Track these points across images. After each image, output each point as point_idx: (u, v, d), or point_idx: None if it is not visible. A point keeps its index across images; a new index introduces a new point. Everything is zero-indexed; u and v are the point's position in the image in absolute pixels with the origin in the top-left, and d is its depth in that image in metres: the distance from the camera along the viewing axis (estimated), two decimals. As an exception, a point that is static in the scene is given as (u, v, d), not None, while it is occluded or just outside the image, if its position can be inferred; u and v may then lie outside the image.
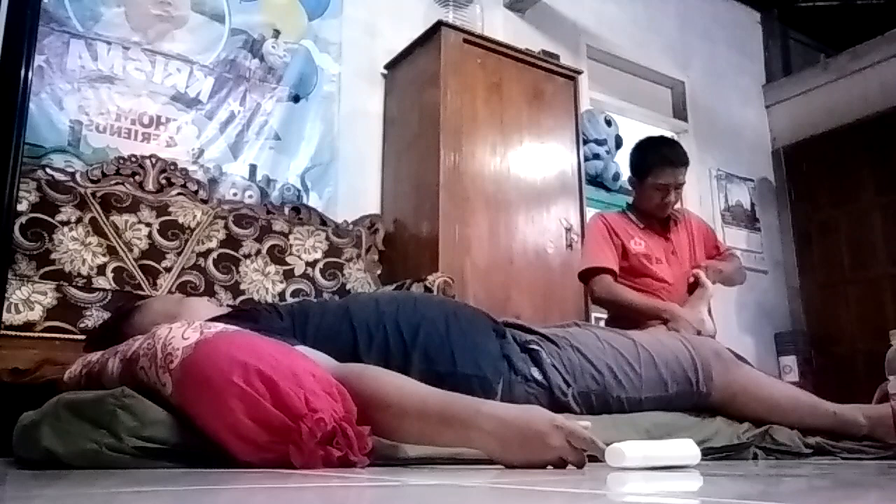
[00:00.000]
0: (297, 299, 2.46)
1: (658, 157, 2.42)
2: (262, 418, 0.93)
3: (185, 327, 1.06)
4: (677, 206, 2.56)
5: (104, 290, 2.07)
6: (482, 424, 1.03)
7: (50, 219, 2.16)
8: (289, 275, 2.55)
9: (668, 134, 4.43)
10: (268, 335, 1.13)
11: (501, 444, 1.02)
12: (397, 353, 1.35)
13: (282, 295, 2.49)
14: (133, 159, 2.50)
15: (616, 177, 3.70)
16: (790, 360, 4.44)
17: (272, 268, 2.52)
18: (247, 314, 1.39)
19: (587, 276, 2.45)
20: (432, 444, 1.09)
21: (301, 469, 0.93)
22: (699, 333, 2.08)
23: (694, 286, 2.40)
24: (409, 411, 1.08)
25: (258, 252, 2.52)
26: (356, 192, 3.07)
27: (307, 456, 0.93)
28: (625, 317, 2.37)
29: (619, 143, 3.78)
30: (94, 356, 1.25)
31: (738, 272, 2.63)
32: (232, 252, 2.47)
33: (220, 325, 1.10)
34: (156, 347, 1.04)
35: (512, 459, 1.02)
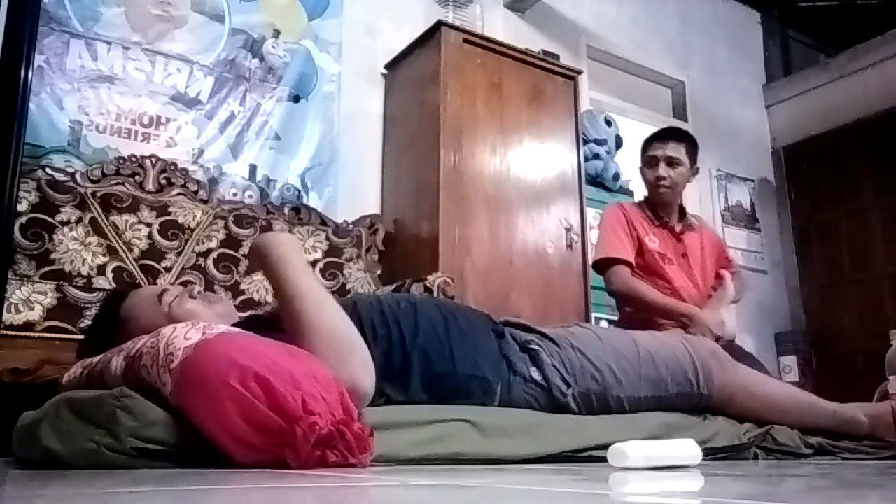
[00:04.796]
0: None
1: (649, 136, 2.55)
2: (256, 421, 0.93)
3: (188, 327, 1.06)
4: (694, 220, 2.56)
5: (104, 290, 2.06)
6: None
7: (50, 219, 2.16)
8: (289, 275, 2.54)
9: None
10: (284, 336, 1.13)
11: None
12: (397, 353, 1.35)
13: (282, 295, 2.48)
14: (133, 159, 2.49)
15: (616, 177, 3.70)
16: (790, 360, 4.44)
17: (272, 268, 2.52)
18: (263, 320, 1.38)
19: (602, 266, 2.40)
20: None
21: (299, 469, 0.93)
22: (718, 339, 2.04)
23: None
24: None
25: (258, 252, 2.52)
26: (356, 192, 3.06)
27: (303, 458, 0.92)
28: (638, 314, 2.33)
29: (619, 143, 3.77)
30: (95, 358, 1.25)
31: (739, 292, 2.58)
32: (232, 252, 2.47)
33: (223, 327, 1.10)
34: (158, 346, 1.04)
35: None
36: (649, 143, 2.51)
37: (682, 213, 2.53)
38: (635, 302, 2.34)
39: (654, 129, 4.43)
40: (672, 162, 2.42)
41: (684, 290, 2.35)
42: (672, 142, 2.46)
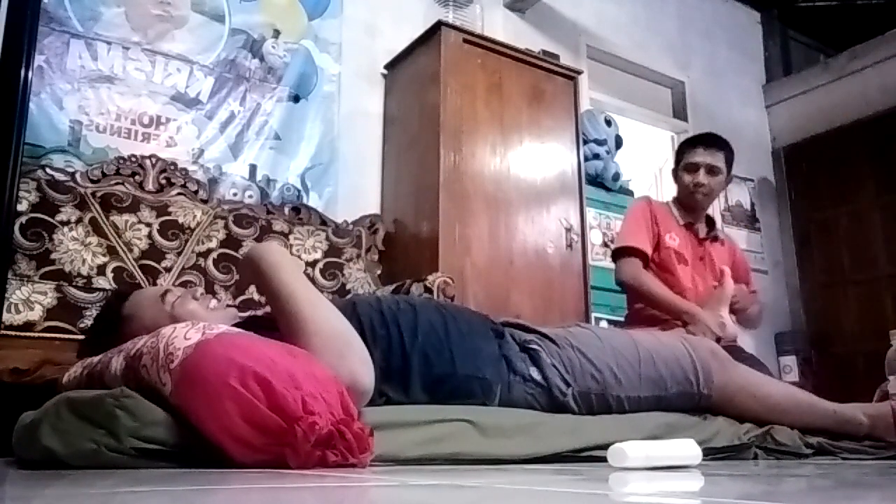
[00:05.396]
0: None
1: (690, 139, 2.58)
2: (256, 421, 0.93)
3: (188, 327, 1.06)
4: (722, 235, 2.57)
5: (104, 290, 2.07)
6: None
7: (50, 219, 2.16)
8: (289, 275, 2.54)
9: (670, 134, 4.46)
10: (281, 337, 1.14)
11: None
12: (397, 354, 1.35)
13: (282, 295, 2.48)
14: (133, 159, 2.49)
15: (616, 177, 3.70)
16: (790, 360, 4.44)
17: (272, 268, 2.52)
18: (263, 320, 1.39)
19: (617, 254, 2.43)
20: None
21: (300, 469, 0.93)
22: (719, 340, 2.03)
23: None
24: None
25: (258, 252, 2.52)
26: (356, 192, 3.06)
27: (303, 458, 0.92)
28: (645, 310, 2.35)
29: (619, 143, 3.77)
30: (95, 358, 1.25)
31: (757, 317, 2.57)
32: (232, 252, 2.47)
33: (223, 327, 1.10)
34: (158, 346, 1.04)
35: None
36: (691, 147, 2.50)
37: (711, 223, 2.55)
38: (640, 294, 2.36)
39: (655, 130, 4.48)
40: (712, 170, 2.44)
41: (690, 292, 2.35)
42: (715, 150, 2.47)
